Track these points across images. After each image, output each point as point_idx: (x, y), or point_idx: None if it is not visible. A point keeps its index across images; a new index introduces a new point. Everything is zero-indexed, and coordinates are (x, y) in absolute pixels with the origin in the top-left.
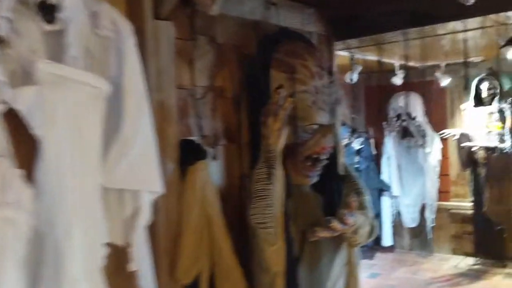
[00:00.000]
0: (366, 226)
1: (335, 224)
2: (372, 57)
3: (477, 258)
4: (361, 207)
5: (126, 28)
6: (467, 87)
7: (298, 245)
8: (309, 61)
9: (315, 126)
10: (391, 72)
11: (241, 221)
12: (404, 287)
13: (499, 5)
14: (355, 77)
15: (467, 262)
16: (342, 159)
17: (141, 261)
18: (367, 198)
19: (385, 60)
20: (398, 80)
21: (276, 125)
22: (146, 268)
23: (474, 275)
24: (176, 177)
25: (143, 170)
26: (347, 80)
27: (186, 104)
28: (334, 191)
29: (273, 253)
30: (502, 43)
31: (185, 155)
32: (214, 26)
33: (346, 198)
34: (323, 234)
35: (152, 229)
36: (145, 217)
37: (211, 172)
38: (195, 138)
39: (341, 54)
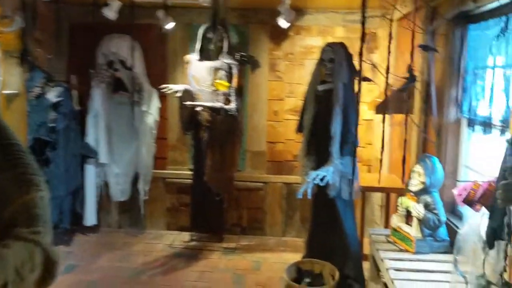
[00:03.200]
0: (19, 259)
1: None
2: None
3: (193, 233)
4: (27, 215)
5: None
6: (191, 36)
7: None
8: None
9: None
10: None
11: None
12: (107, 283)
13: None
14: None
15: (182, 239)
16: None
17: None
18: (43, 195)
19: None
20: (110, 13)
21: None
22: None
23: (191, 254)
24: None
25: None
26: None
27: None
28: None
29: None
30: None
31: None
32: None
33: None
34: None
35: None
36: None
37: None
38: None
39: None
